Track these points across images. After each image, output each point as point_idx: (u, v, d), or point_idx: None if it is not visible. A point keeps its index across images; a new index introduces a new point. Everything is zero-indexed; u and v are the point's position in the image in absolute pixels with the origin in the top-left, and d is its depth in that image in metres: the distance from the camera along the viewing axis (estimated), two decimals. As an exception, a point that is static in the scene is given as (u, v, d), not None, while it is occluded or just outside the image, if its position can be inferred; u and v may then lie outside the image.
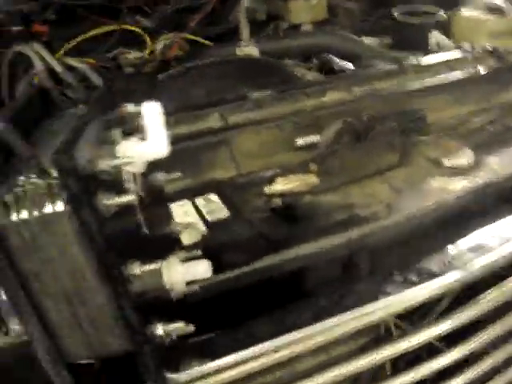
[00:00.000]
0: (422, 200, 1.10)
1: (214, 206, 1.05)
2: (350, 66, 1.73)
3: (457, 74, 1.44)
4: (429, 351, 1.10)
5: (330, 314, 0.83)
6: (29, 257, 0.60)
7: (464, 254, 0.96)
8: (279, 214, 1.08)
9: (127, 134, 0.70)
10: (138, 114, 0.73)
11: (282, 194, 1.12)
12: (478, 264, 0.96)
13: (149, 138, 0.68)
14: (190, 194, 1.07)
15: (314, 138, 1.20)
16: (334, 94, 1.29)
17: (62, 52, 1.37)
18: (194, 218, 1.02)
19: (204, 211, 1.04)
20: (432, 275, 0.89)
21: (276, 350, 0.77)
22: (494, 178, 1.17)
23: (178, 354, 0.75)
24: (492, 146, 1.29)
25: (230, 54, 1.65)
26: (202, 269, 0.74)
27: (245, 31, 1.92)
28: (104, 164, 0.59)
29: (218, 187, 1.10)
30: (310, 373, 0.98)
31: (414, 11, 2.06)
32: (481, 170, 1.20)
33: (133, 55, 1.76)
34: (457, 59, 1.48)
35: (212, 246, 0.94)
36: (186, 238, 0.92)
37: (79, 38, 1.59)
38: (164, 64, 1.74)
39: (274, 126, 1.19)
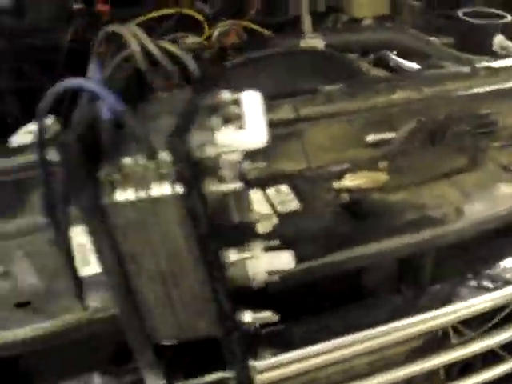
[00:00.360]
0: (492, 205, 1.09)
1: (285, 198, 1.05)
2: (406, 64, 1.72)
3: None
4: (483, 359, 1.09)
5: (404, 313, 0.82)
6: (130, 237, 0.61)
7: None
8: (347, 210, 1.08)
9: (225, 121, 0.71)
10: (236, 102, 0.74)
11: (349, 190, 1.12)
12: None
13: (248, 127, 0.68)
14: (261, 183, 1.07)
15: (384, 136, 1.19)
16: (403, 93, 1.27)
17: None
18: (265, 207, 1.03)
19: (275, 202, 1.05)
20: (506, 282, 0.88)
21: (349, 345, 0.77)
22: None
23: (257, 342, 0.76)
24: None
25: (294, 45, 1.63)
26: (285, 259, 0.74)
27: (307, 22, 1.91)
28: (211, 151, 0.59)
29: (288, 179, 1.10)
30: (365, 371, 0.98)
31: (478, 12, 2.02)
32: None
33: (191, 40, 1.76)
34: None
35: (282, 237, 0.94)
36: (261, 228, 0.93)
37: (138, 20, 1.60)
38: (221, 51, 1.74)
39: (344, 121, 1.18)
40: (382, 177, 1.12)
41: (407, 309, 0.84)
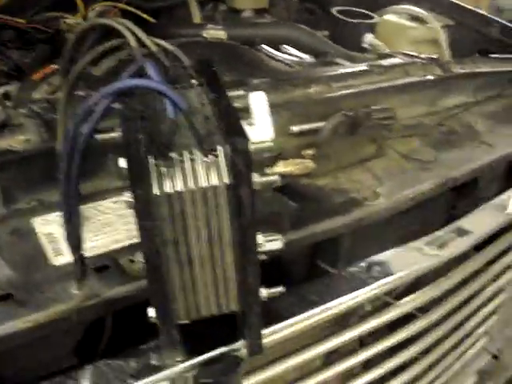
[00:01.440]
0: (401, 189, 1.26)
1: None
2: (284, 56, 1.86)
3: (411, 78, 1.62)
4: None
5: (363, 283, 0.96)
6: (173, 227, 0.67)
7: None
8: (283, 193, 1.19)
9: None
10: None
11: (282, 176, 1.23)
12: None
13: (257, 124, 0.76)
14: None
15: (306, 126, 1.32)
16: (317, 88, 1.41)
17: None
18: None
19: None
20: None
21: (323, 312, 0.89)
22: (454, 173, 1.36)
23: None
24: (443, 145, 1.49)
25: (198, 35, 1.70)
26: (279, 242, 0.83)
27: (195, 11, 1.99)
28: (251, 147, 0.67)
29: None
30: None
31: (350, 11, 2.20)
32: (441, 166, 1.39)
33: (71, 20, 1.71)
34: (410, 64, 1.66)
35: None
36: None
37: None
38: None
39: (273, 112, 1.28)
40: (309, 164, 1.24)
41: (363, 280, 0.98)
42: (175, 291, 0.71)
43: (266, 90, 1.27)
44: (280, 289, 0.76)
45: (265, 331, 0.82)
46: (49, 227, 0.91)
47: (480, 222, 1.22)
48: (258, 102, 0.77)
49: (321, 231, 1.09)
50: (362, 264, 1.01)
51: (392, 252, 1.06)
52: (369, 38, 2.08)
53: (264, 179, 0.68)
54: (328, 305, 0.91)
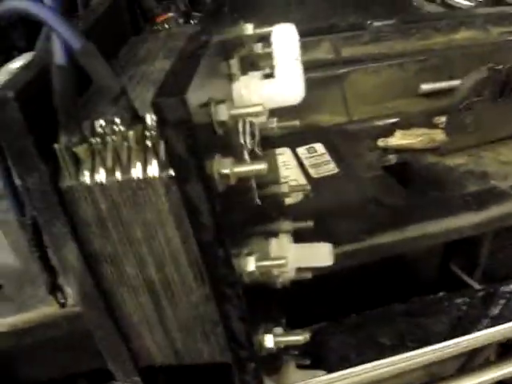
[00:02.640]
0: None
1: (319, 159, 0.86)
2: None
3: None
4: None
5: (473, 323, 0.63)
6: (103, 233, 0.42)
7: None
8: (394, 175, 0.88)
9: (247, 67, 0.51)
10: (262, 40, 0.53)
11: (398, 150, 0.92)
12: None
13: (280, 76, 0.48)
14: (291, 140, 0.87)
15: (443, 85, 0.98)
16: (468, 32, 1.05)
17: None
18: (294, 171, 0.84)
19: (307, 164, 0.85)
20: None
21: (401, 362, 0.59)
22: None
23: (278, 360, 0.58)
24: None
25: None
26: (323, 255, 0.55)
27: None
28: (224, 112, 0.39)
29: (323, 135, 0.90)
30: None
31: None
32: None
33: None
34: None
35: (316, 211, 0.75)
36: (290, 199, 0.74)
37: None
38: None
39: (395, 65, 0.97)
40: (438, 135, 0.91)
41: (477, 317, 0.65)
42: (131, 326, 0.47)
43: (392, 34, 0.98)
44: (301, 337, 0.48)
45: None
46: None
47: None
48: (286, 43, 0.49)
49: (435, 233, 0.77)
50: (479, 292, 0.67)
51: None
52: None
53: (245, 168, 0.40)
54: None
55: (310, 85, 0.80)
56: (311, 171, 0.83)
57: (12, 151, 0.38)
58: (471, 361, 0.77)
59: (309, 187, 0.70)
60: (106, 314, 0.46)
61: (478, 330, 0.62)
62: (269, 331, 0.49)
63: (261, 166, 0.40)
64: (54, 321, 0.64)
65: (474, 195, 0.83)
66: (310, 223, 0.64)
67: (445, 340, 0.61)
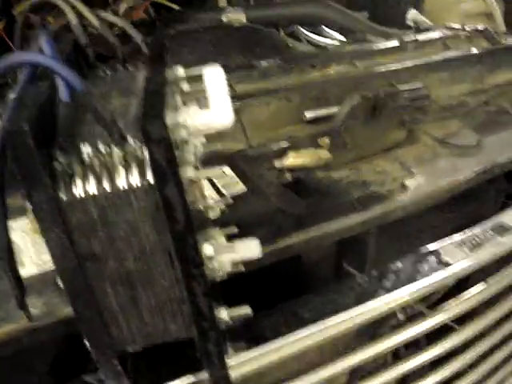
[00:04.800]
0: (435, 180, 1.08)
1: (229, 180, 1.00)
2: (318, 38, 1.70)
3: (452, 53, 1.43)
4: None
5: (372, 294, 0.79)
6: (91, 235, 0.54)
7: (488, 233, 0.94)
8: (292, 189, 1.03)
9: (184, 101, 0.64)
10: (193, 79, 0.67)
11: (292, 169, 1.08)
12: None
13: (213, 106, 0.62)
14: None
15: (323, 112, 1.16)
16: (339, 67, 1.24)
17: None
18: (210, 191, 0.97)
19: (219, 185, 0.98)
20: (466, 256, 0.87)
21: (319, 332, 0.73)
22: (500, 159, 1.17)
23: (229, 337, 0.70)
24: (489, 128, 1.29)
25: (217, 19, 1.57)
26: (253, 248, 0.68)
27: (222, -4, 1.85)
28: (183, 133, 0.52)
29: (229, 160, 1.04)
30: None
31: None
32: (484, 151, 1.20)
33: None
34: (451, 38, 1.47)
35: (234, 223, 0.89)
36: (211, 214, 0.87)
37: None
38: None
39: (283, 97, 1.13)
40: (324, 154, 1.08)
41: (374, 290, 0.81)
42: (108, 316, 0.58)
43: (278, 71, 1.14)
44: (247, 310, 0.61)
45: (241, 358, 0.68)
46: (15, 235, 0.79)
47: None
48: (215, 80, 0.62)
49: (332, 231, 0.93)
50: (374, 272, 0.84)
51: (412, 256, 0.88)
52: (412, 14, 1.90)
53: (200, 174, 0.53)
54: (324, 324, 0.75)
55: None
56: (223, 191, 0.97)
57: (22, 171, 0.49)
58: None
59: (230, 200, 0.83)
60: (91, 306, 0.57)
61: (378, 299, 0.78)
62: (222, 307, 0.61)
63: (216, 172, 0.53)
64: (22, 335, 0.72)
65: (359, 200, 1.00)
66: (234, 229, 0.77)
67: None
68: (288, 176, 1.08)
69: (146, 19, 1.68)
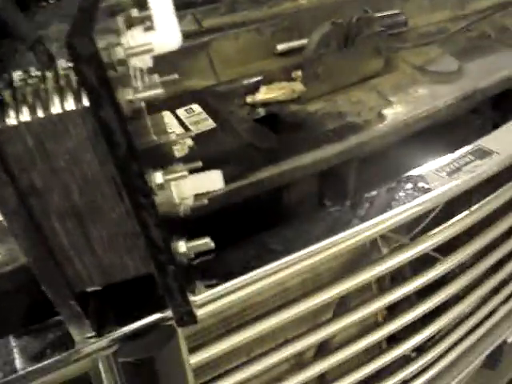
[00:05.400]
0: (413, 107, 1.04)
1: (198, 117, 0.96)
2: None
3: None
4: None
5: (346, 224, 0.76)
6: (31, 168, 0.50)
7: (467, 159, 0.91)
8: (265, 125, 1.00)
9: (128, 25, 0.60)
10: (136, 4, 0.62)
11: (265, 104, 1.04)
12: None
13: (159, 28, 0.58)
14: (170, 104, 0.96)
15: (295, 43, 1.11)
16: (312, -4, 1.19)
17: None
18: (177, 130, 0.93)
19: (187, 122, 0.95)
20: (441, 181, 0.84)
21: (291, 265, 0.71)
22: (481, 84, 1.12)
23: (191, 273, 0.68)
24: (470, 53, 1.24)
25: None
26: (215, 179, 0.65)
27: None
28: (120, 52, 0.49)
29: (197, 97, 1.00)
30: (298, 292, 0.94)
31: None
32: (465, 77, 1.15)
33: None
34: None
35: (202, 159, 0.85)
36: (177, 151, 0.83)
37: None
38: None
39: (252, 30, 1.09)
40: (297, 87, 1.04)
41: (348, 219, 0.78)
42: (60, 254, 0.55)
43: (246, 3, 1.09)
44: (206, 240, 0.58)
45: (206, 294, 0.65)
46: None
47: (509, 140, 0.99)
48: (160, 2, 0.58)
49: (306, 164, 0.89)
50: (347, 202, 0.81)
51: (387, 184, 0.85)
52: None
53: (145, 94, 0.49)
54: (296, 255, 0.72)
55: (179, 54, 0.91)
56: (192, 128, 0.93)
57: None
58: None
59: (193, 133, 0.79)
60: (39, 244, 0.54)
61: (350, 229, 0.75)
62: (180, 239, 0.58)
63: (158, 91, 0.49)
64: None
65: (334, 130, 0.97)
66: (199, 163, 0.74)
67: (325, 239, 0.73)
68: (261, 111, 1.04)
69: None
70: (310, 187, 1.09)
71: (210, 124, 0.95)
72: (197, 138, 0.90)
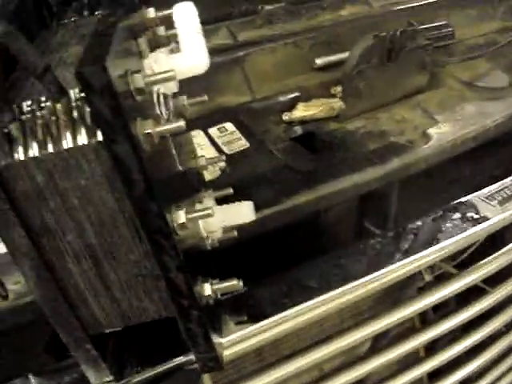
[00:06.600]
0: (460, 127, 0.97)
1: (231, 137, 0.91)
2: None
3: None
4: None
5: (388, 258, 0.70)
6: (41, 207, 0.46)
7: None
8: (302, 144, 0.94)
9: (153, 46, 0.55)
10: (163, 22, 0.58)
11: (302, 121, 0.99)
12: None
13: (185, 49, 0.53)
14: (202, 123, 0.92)
15: (335, 57, 1.05)
16: (352, 8, 1.13)
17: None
18: (209, 150, 0.88)
19: (219, 142, 0.90)
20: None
21: (329, 302, 0.65)
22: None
23: (218, 312, 0.63)
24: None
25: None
26: (246, 212, 0.60)
27: None
28: (140, 80, 0.44)
29: (231, 114, 0.95)
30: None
31: None
32: (516, 92, 1.08)
33: None
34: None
35: (234, 183, 0.80)
36: (208, 175, 0.79)
37: None
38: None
39: (289, 44, 1.03)
40: (337, 104, 0.98)
41: (390, 252, 0.72)
42: (75, 295, 0.51)
43: (283, 16, 1.04)
44: (234, 282, 0.53)
45: (234, 336, 0.60)
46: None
47: None
48: (187, 20, 0.53)
49: (345, 188, 0.84)
50: (389, 233, 0.74)
51: (434, 213, 0.79)
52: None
53: (163, 128, 0.44)
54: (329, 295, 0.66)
55: (213, 69, 0.86)
56: (224, 148, 0.88)
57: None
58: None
59: (224, 157, 0.75)
60: (52, 286, 0.50)
61: (393, 264, 0.69)
62: (205, 281, 0.53)
63: (179, 124, 0.44)
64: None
65: (376, 151, 0.91)
66: (230, 190, 0.69)
67: (365, 276, 0.67)
68: (298, 129, 0.99)
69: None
70: (350, 208, 1.04)
71: (243, 144, 0.90)
72: (229, 159, 0.85)
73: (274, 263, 0.79)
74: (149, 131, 0.43)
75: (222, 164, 0.84)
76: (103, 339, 0.56)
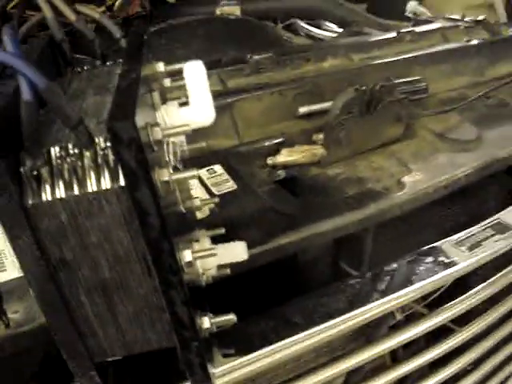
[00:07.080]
0: (432, 176, 1.04)
1: (219, 178, 0.96)
2: (317, 31, 1.66)
3: (451, 45, 1.39)
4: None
5: (366, 297, 0.76)
6: (62, 243, 0.51)
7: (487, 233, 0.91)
8: (285, 187, 1.00)
9: (163, 98, 0.61)
10: (173, 75, 0.64)
11: (286, 166, 1.05)
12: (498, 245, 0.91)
13: (194, 103, 0.59)
14: (192, 164, 0.97)
15: (316, 107, 1.12)
16: (334, 61, 1.21)
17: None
18: (199, 190, 0.94)
19: (208, 183, 0.95)
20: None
21: (310, 337, 0.70)
22: (501, 153, 1.13)
23: (210, 344, 0.68)
24: (489, 121, 1.25)
25: (211, 12, 1.53)
26: (239, 251, 0.65)
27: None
28: (158, 133, 0.49)
29: (219, 157, 1.01)
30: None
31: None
32: (484, 146, 1.16)
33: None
34: (450, 29, 1.43)
35: (223, 222, 0.85)
36: (199, 214, 0.84)
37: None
38: (126, 22, 1.60)
39: (275, 93, 1.10)
40: (318, 150, 1.05)
41: (368, 292, 0.77)
42: (84, 325, 0.55)
43: (270, 66, 1.11)
44: (231, 316, 0.58)
45: (226, 367, 0.65)
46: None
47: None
48: (196, 76, 0.59)
49: (326, 231, 0.89)
50: (368, 274, 0.80)
51: (407, 256, 0.85)
52: (412, 6, 1.86)
53: (179, 176, 0.50)
54: (314, 329, 0.71)
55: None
56: (213, 189, 0.94)
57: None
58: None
59: (217, 200, 0.80)
60: (64, 316, 0.54)
61: (370, 303, 0.75)
62: (205, 314, 0.58)
63: (193, 173, 0.50)
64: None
65: (354, 197, 0.97)
66: (222, 230, 0.74)
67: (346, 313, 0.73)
68: (281, 173, 1.05)
69: (141, 13, 1.65)
70: (326, 249, 1.09)
71: (231, 186, 0.95)
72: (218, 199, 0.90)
73: (252, 299, 0.84)
74: (166, 179, 0.48)
75: (212, 204, 0.89)
76: (104, 366, 0.60)
